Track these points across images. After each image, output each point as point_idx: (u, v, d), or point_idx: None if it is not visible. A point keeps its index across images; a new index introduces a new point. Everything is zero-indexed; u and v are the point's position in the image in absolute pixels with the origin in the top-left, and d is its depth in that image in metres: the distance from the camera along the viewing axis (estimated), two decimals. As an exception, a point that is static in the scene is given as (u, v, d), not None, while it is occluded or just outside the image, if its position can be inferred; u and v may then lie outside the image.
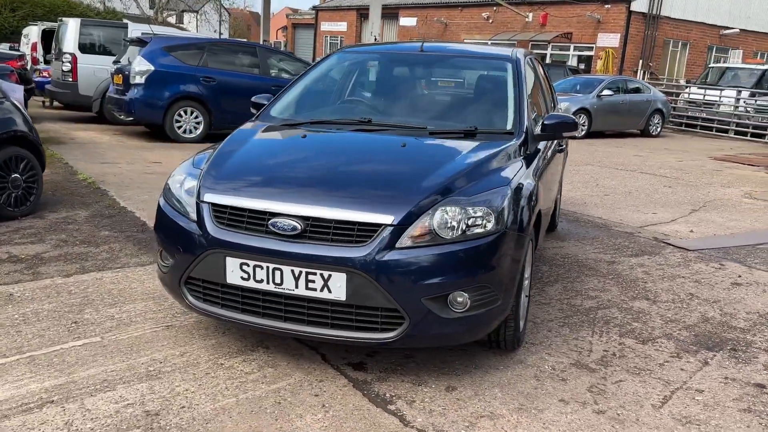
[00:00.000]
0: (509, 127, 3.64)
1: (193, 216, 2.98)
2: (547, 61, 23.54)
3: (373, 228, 2.71)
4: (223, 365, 3.05)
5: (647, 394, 2.99)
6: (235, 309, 2.93)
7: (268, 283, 2.79)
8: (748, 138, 17.10)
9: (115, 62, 11.07)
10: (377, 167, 3.16)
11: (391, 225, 2.70)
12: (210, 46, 10.90)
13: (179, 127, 10.42)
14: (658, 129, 16.79)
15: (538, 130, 3.79)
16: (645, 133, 16.40)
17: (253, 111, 4.33)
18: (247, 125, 3.84)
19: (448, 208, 2.79)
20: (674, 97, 19.36)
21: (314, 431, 2.55)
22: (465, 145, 3.37)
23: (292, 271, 2.74)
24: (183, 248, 2.98)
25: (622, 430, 2.68)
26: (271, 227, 2.77)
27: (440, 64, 4.36)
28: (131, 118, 10.63)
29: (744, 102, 18.31)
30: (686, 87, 20.79)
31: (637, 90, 16.68)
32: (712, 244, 5.90)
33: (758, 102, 17.91)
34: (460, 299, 2.76)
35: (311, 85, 4.27)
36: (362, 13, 34.40)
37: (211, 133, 10.73)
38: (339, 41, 36.41)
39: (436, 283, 2.71)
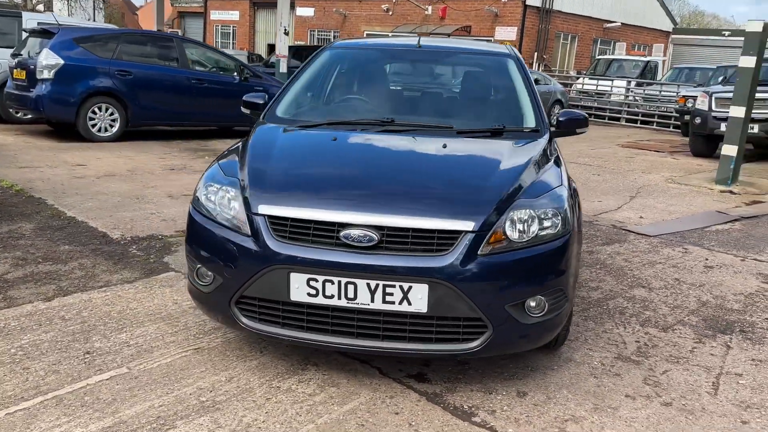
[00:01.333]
0: (534, 124, 3.63)
1: (246, 230, 2.72)
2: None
3: (454, 235, 2.61)
4: (280, 388, 2.83)
5: (697, 382, 3.10)
6: (298, 328, 2.72)
7: (339, 298, 2.61)
8: (639, 125, 18.34)
9: (13, 55, 10.05)
10: (435, 172, 3.03)
11: (472, 231, 2.61)
12: (124, 37, 10.17)
13: (93, 125, 9.63)
14: (560, 118, 17.61)
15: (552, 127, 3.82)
16: (549, 123, 17.13)
17: (245, 110, 4.05)
18: (263, 127, 3.57)
19: (520, 212, 2.73)
20: (568, 88, 20.40)
21: (414, 453, 2.42)
22: (506, 145, 3.33)
23: (368, 284, 2.58)
24: (234, 265, 2.72)
25: (695, 420, 2.76)
26: (343, 239, 2.59)
27: (443, 60, 4.28)
28: (33, 116, 9.69)
29: (633, 92, 19.66)
30: (577, 78, 22.00)
31: (537, 82, 17.42)
32: (666, 230, 6.25)
33: (646, 91, 19.29)
34: (537, 303, 2.71)
35: (312, 84, 4.05)
36: (255, 1, 33.53)
37: (129, 131, 10.04)
38: (231, 31, 35.27)
39: (519, 289, 2.66)
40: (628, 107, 19.20)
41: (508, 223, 2.69)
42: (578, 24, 25.78)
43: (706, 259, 5.24)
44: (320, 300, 2.63)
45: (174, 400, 2.70)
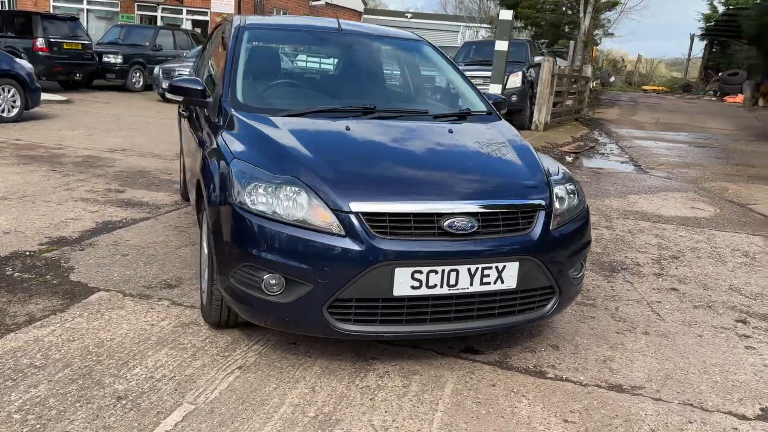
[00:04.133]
0: (484, 107, 3.95)
1: (338, 229, 2.57)
2: (159, 24, 22.60)
3: (531, 214, 2.85)
4: (370, 387, 2.76)
5: (644, 313, 3.85)
6: (397, 323, 2.69)
7: (441, 286, 2.66)
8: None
9: None
10: (482, 157, 3.22)
11: (543, 209, 2.88)
12: None
13: None
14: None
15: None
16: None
17: (174, 96, 3.62)
18: (250, 115, 3.24)
19: (558, 188, 3.08)
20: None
21: (541, 413, 2.64)
22: (497, 129, 3.60)
23: (469, 269, 2.68)
24: (331, 268, 2.55)
25: (673, 340, 3.47)
26: (448, 229, 2.64)
27: (370, 45, 4.26)
28: None
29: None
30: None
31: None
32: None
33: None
34: (577, 267, 3.11)
35: (255, 68, 3.75)
36: None
37: None
38: None
39: (575, 256, 3.02)
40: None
41: (557, 198, 3.03)
42: (288, 0, 26.39)
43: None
44: (423, 291, 2.65)
45: (284, 423, 2.46)
